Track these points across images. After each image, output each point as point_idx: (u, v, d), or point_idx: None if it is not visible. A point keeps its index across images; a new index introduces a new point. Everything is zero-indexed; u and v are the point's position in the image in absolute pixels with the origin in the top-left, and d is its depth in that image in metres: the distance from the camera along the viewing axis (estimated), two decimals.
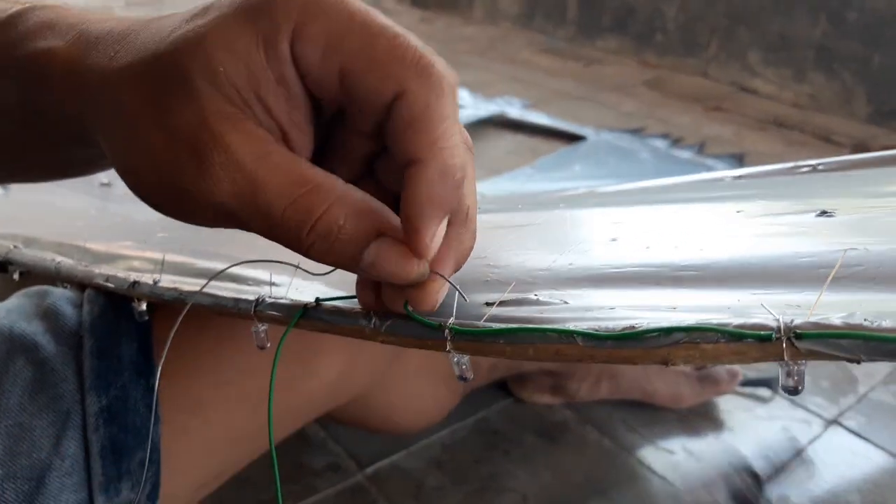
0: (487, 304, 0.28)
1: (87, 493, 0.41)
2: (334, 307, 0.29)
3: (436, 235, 0.26)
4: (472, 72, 2.05)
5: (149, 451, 0.42)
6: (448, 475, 0.70)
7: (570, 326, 0.24)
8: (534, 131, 1.59)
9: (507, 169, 1.39)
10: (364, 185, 0.28)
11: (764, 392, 0.82)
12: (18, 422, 0.38)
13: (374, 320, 0.28)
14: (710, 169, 1.40)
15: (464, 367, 0.27)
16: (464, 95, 1.74)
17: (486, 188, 1.25)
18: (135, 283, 0.38)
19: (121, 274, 0.40)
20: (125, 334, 0.43)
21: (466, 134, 0.27)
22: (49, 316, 0.43)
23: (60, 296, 0.45)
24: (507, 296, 0.28)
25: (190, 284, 0.36)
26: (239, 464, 0.51)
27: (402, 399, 0.61)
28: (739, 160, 1.44)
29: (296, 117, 0.26)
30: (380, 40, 0.25)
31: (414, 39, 0.25)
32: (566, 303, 0.27)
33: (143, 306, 0.40)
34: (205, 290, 0.34)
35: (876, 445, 0.74)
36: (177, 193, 0.25)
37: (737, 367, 0.81)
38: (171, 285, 0.36)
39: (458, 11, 2.76)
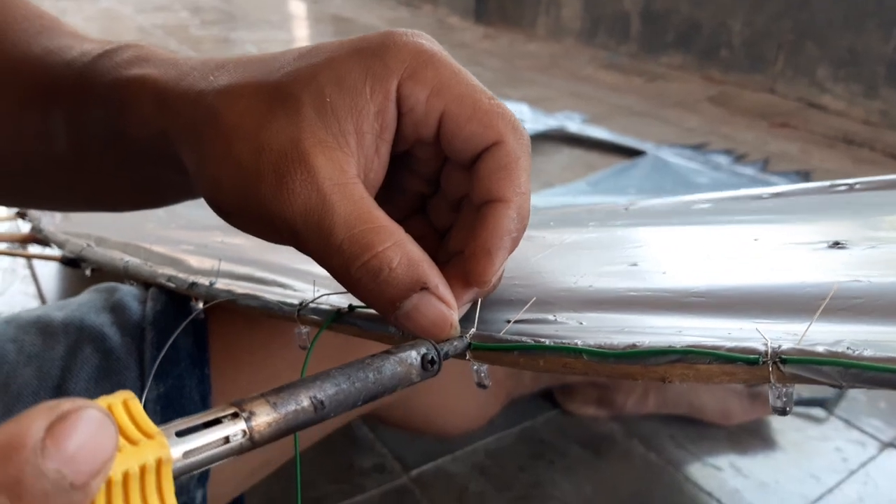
0: (507, 321, 0.30)
1: None
2: (366, 314, 0.31)
3: (502, 266, 0.29)
4: (533, 88, 2.07)
5: None
6: (491, 481, 0.71)
7: (578, 343, 0.26)
8: (592, 146, 1.59)
9: (563, 181, 1.40)
10: (413, 221, 0.32)
11: (818, 412, 0.80)
12: None
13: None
14: (774, 186, 1.37)
15: (482, 374, 0.29)
16: (524, 110, 1.76)
17: (536, 200, 1.25)
18: (193, 284, 0.41)
19: (181, 275, 0.43)
20: (183, 329, 0.47)
21: None
22: (116, 310, 0.46)
23: (127, 292, 0.48)
24: (523, 315, 0.30)
25: (241, 287, 0.39)
26: (284, 454, 0.53)
27: (443, 402, 0.63)
28: (805, 177, 1.41)
29: (380, 154, 0.29)
30: (482, 95, 0.29)
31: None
32: (581, 324, 0.29)
33: (200, 304, 0.43)
34: (254, 293, 0.37)
35: None
36: (251, 205, 0.27)
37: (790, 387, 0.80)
38: (225, 287, 0.39)
39: (521, 28, 2.78)
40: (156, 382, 0.43)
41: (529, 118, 1.70)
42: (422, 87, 0.28)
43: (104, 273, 0.53)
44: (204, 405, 0.43)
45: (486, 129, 0.28)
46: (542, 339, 0.27)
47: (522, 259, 0.36)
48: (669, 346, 0.24)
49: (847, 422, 0.78)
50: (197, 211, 0.77)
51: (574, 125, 1.67)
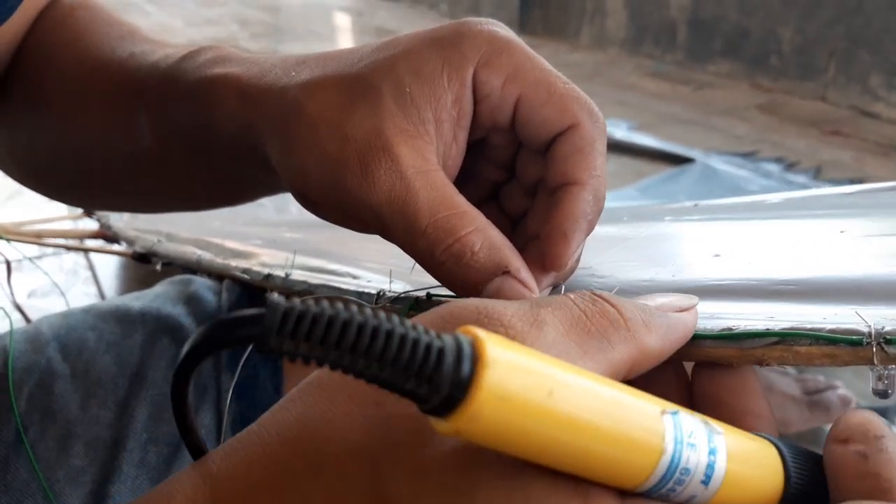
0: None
1: None
2: (445, 300, 0.31)
3: (579, 248, 0.29)
4: None
5: None
6: None
7: None
8: (639, 153, 1.58)
9: (609, 189, 1.39)
10: (486, 208, 0.32)
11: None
12: (162, 392, 0.42)
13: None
14: None
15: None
16: None
17: None
18: (268, 276, 0.42)
19: (255, 267, 0.44)
20: None
21: None
22: (192, 301, 0.47)
23: (202, 284, 0.49)
24: None
25: (316, 279, 0.39)
26: None
27: None
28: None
29: (458, 141, 0.30)
30: (557, 80, 0.29)
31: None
32: None
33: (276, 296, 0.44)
34: (329, 283, 0.38)
35: None
36: (337, 193, 0.28)
37: (850, 395, 0.78)
38: (301, 279, 0.40)
39: (565, 38, 2.78)
40: (231, 373, 0.45)
41: None
42: (497, 73, 0.29)
43: (172, 269, 0.54)
44: (278, 395, 0.44)
45: (562, 113, 0.29)
46: None
47: (600, 251, 0.36)
48: (767, 329, 0.23)
49: None
50: (258, 210, 0.79)
51: (620, 132, 1.66)
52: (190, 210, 0.45)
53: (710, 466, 0.17)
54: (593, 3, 2.64)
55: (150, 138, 0.36)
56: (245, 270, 0.44)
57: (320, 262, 0.44)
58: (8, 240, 0.78)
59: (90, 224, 0.88)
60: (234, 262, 0.46)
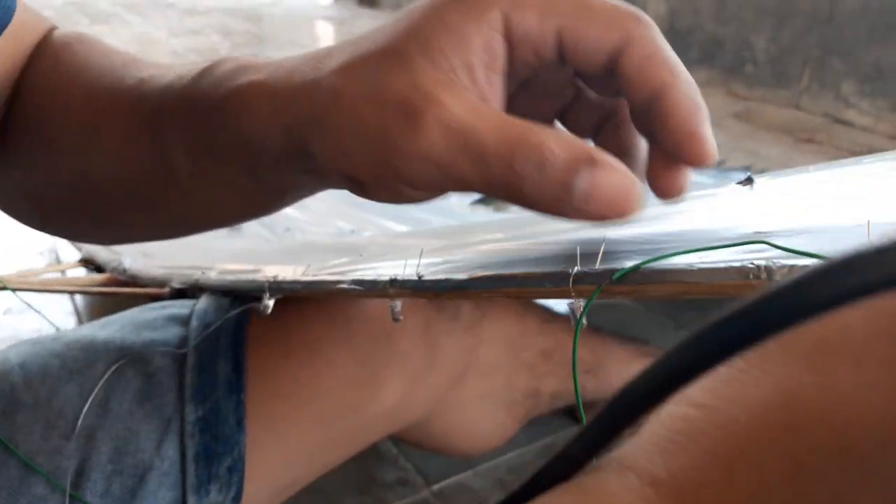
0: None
1: (180, 492, 0.46)
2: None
3: (711, 139, 0.28)
4: None
5: (236, 458, 0.47)
6: None
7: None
8: None
9: None
10: None
11: None
12: (127, 426, 0.43)
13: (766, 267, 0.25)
14: None
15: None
16: None
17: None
18: (393, 281, 0.41)
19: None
20: (223, 355, 0.49)
21: None
22: (159, 330, 0.49)
23: (169, 315, 0.51)
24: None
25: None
26: (312, 474, 0.55)
27: (460, 424, 0.64)
28: None
29: (495, 84, 0.29)
30: (593, 1, 0.28)
31: None
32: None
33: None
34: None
35: None
36: (389, 163, 0.28)
37: None
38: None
39: None
40: (195, 406, 0.46)
41: None
42: (529, 11, 0.28)
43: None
44: (240, 427, 0.45)
45: (609, 31, 0.28)
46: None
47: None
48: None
49: None
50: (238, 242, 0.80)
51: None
52: (226, 226, 0.43)
53: None
54: None
55: (180, 161, 0.35)
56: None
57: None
58: (13, 290, 0.78)
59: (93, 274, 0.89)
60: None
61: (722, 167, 1.55)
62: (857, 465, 0.13)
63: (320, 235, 0.96)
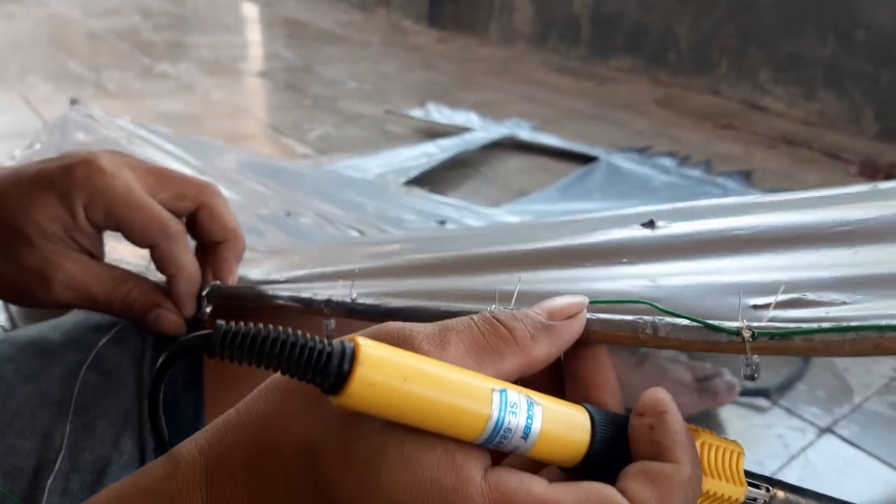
0: (756, 306, 0.28)
1: None
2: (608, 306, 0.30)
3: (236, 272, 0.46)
4: (486, 92, 2.11)
5: None
6: None
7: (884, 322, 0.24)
8: (543, 151, 1.64)
9: (520, 186, 1.44)
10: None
11: (762, 402, 0.85)
12: (84, 422, 0.43)
13: (652, 323, 0.28)
14: (720, 186, 1.43)
15: (754, 367, 0.27)
16: (473, 119, 1.78)
17: (513, 209, 1.28)
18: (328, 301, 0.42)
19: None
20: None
21: None
22: (112, 331, 0.48)
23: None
24: (780, 297, 0.28)
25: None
26: None
27: None
28: (747, 177, 1.47)
29: (95, 245, 0.43)
30: (142, 200, 0.42)
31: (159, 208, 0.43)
32: (845, 303, 0.27)
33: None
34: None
35: (868, 454, 0.78)
36: (36, 304, 0.43)
37: (735, 381, 0.85)
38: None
39: (474, 32, 2.82)
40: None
41: (479, 126, 1.72)
42: (96, 213, 0.41)
43: None
44: (198, 419, 0.45)
45: (157, 222, 0.42)
46: (817, 323, 0.25)
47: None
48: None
49: (788, 410, 0.84)
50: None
51: (525, 133, 1.71)
52: None
53: (528, 427, 0.24)
54: None
55: None
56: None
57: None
58: None
59: None
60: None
61: (647, 153, 1.60)
62: (274, 459, 0.26)
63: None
